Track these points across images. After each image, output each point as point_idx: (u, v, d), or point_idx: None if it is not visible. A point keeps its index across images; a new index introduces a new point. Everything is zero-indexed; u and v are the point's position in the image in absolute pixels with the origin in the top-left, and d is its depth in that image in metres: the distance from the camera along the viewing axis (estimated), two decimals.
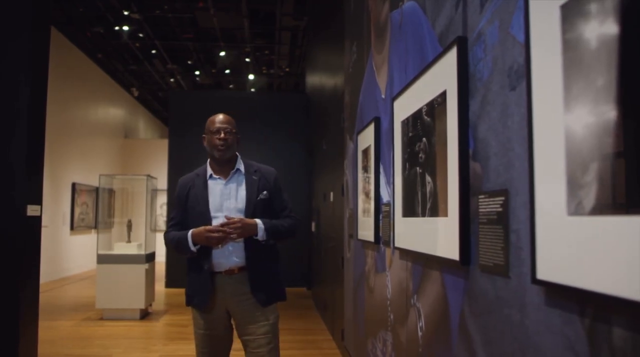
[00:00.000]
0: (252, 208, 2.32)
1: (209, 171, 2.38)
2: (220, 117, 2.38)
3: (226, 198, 2.33)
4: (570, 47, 1.04)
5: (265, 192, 2.36)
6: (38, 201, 3.62)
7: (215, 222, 2.28)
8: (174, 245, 2.34)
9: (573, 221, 1.03)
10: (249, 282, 2.28)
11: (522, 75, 1.27)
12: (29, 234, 3.53)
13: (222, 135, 2.31)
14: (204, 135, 2.40)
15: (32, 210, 3.52)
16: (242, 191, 2.34)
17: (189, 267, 2.38)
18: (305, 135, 9.10)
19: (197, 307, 2.33)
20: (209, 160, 2.42)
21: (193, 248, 2.27)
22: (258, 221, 2.29)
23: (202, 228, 2.25)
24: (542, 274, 1.13)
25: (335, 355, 4.55)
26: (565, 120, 1.05)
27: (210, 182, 2.36)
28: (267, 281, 2.33)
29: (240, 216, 2.29)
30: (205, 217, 2.29)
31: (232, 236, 2.21)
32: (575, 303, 1.05)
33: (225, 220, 2.23)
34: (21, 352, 3.35)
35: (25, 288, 3.47)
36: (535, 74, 1.17)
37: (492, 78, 1.45)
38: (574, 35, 1.03)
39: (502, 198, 1.35)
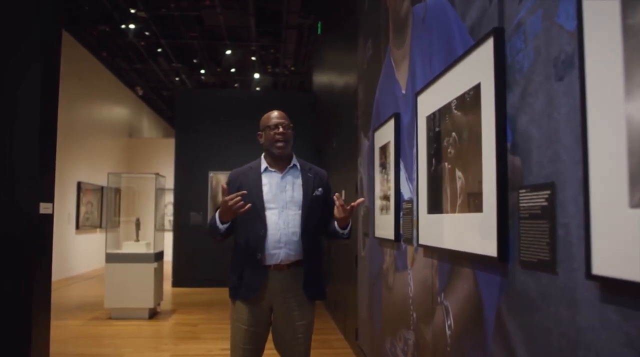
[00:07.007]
0: (309, 203, 2.30)
1: (264, 164, 2.36)
2: (276, 113, 2.36)
3: (282, 190, 2.30)
4: (633, 33, 1.00)
5: (320, 189, 2.36)
6: (50, 198, 3.59)
7: (269, 213, 2.26)
8: (210, 228, 2.28)
9: (635, 213, 0.99)
10: (303, 277, 2.27)
11: (571, 65, 1.24)
12: (42, 232, 3.50)
13: (282, 129, 2.29)
14: (259, 132, 2.38)
15: (44, 208, 3.49)
16: (299, 186, 2.33)
17: (237, 258, 2.33)
18: (312, 134, 9.06)
19: (244, 297, 2.27)
20: (263, 154, 2.40)
21: (221, 226, 2.21)
22: None
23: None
24: (599, 269, 1.09)
25: (349, 354, 4.51)
26: (626, 109, 1.01)
27: (264, 175, 2.33)
28: (317, 277, 2.33)
29: (296, 209, 2.28)
30: (256, 208, 2.24)
31: (347, 214, 2.19)
32: (636, 299, 1.01)
33: (338, 201, 2.19)
34: (34, 351, 3.32)
35: (39, 286, 3.45)
36: (589, 63, 1.13)
37: (534, 69, 1.41)
38: (637, 20, 0.99)
39: (548, 192, 1.32)
